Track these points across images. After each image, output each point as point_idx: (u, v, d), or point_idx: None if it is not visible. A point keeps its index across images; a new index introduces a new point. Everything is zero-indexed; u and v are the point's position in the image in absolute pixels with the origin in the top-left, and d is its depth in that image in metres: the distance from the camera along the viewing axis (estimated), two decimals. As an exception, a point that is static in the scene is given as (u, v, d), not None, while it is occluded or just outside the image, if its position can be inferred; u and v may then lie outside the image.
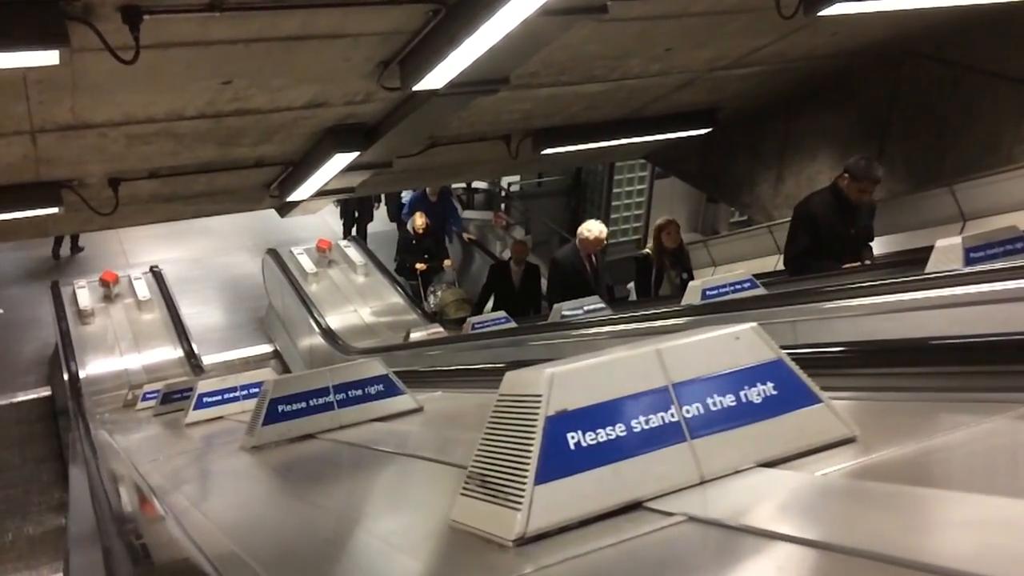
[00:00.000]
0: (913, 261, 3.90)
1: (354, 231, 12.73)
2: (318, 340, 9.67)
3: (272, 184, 7.09)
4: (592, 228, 6.33)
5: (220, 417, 3.74)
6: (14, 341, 10.36)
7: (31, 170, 5.30)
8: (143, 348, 9.70)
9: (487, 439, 1.07)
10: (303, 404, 2.39)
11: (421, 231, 10.13)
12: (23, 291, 11.46)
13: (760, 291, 4.80)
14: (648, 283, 5.62)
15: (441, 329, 8.88)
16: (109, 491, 2.29)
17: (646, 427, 1.01)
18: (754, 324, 1.13)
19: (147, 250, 12.73)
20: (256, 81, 4.41)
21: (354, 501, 1.58)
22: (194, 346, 9.46)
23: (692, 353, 1.07)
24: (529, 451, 0.97)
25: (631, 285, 6.40)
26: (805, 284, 5.26)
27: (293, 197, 7.14)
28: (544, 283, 8.05)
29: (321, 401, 2.41)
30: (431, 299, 10.25)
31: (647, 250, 5.87)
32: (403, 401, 2.49)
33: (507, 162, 8.07)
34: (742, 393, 1.07)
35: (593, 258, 6.39)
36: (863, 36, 6.09)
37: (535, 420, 0.98)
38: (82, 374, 8.70)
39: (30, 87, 3.83)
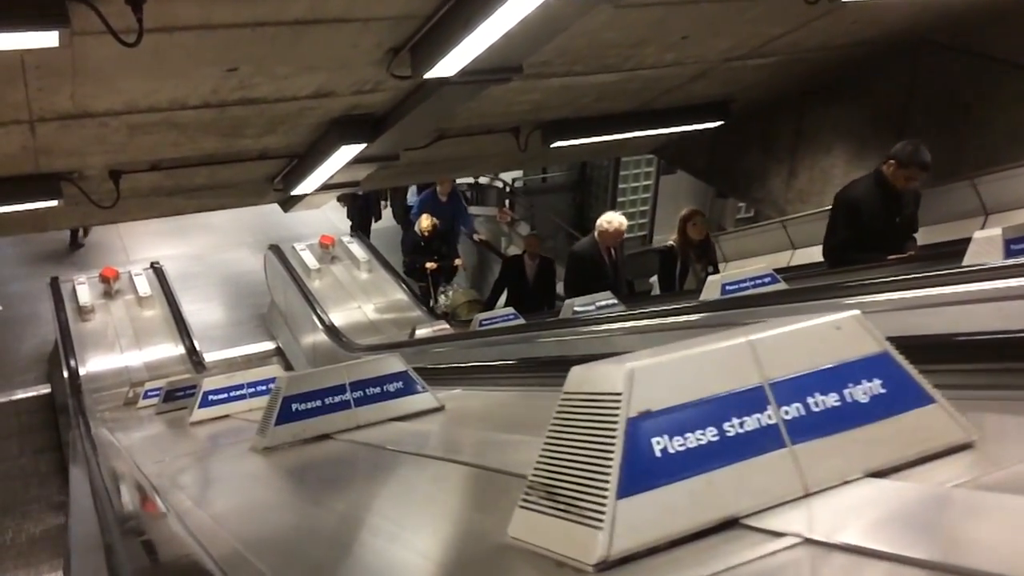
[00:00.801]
0: (949, 254, 3.75)
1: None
2: (321, 337, 9.54)
3: (276, 178, 6.94)
4: (612, 220, 6.14)
5: (226, 416, 3.60)
6: (13, 338, 10.23)
7: (30, 161, 5.16)
8: (144, 345, 9.57)
9: (552, 444, 0.93)
10: (318, 403, 2.25)
11: (428, 233, 9.92)
12: (22, 287, 11.33)
13: (781, 286, 4.67)
14: (672, 277, 5.39)
15: (447, 326, 8.75)
16: (112, 494, 2.16)
17: (741, 431, 0.87)
18: (856, 312, 0.99)
19: (147, 246, 12.60)
20: (261, 68, 4.26)
21: (386, 511, 1.44)
22: (196, 343, 9.32)
23: (788, 345, 0.93)
24: (608, 459, 0.83)
25: (654, 279, 6.19)
26: (827, 279, 5.16)
27: (297, 191, 6.99)
28: (559, 277, 7.87)
29: (337, 399, 2.27)
30: (441, 299, 10.04)
31: (671, 242, 5.65)
32: (423, 399, 2.35)
33: (515, 155, 7.91)
34: (846, 391, 0.92)
35: (612, 251, 6.20)
36: (882, 25, 5.94)
37: (614, 423, 0.84)
38: (82, 371, 8.57)
39: (28, 73, 3.69)
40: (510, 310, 7.30)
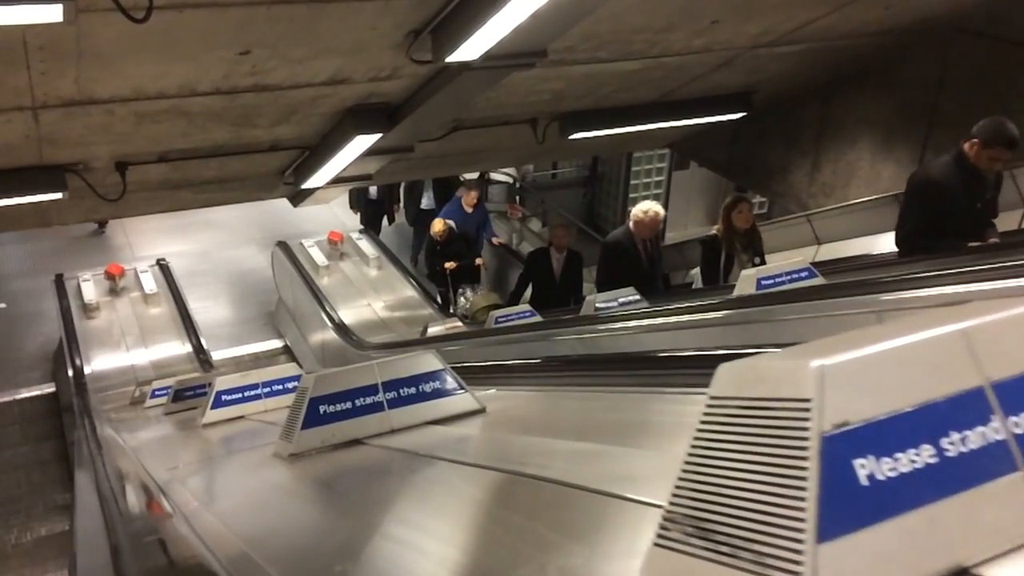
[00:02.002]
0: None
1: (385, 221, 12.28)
2: (331, 335, 9.35)
3: (287, 171, 6.74)
4: (648, 209, 5.83)
5: (240, 417, 3.40)
6: (17, 336, 10.06)
7: (33, 152, 4.96)
8: (150, 343, 9.37)
9: (699, 464, 0.72)
10: (348, 404, 2.04)
11: (441, 237, 9.66)
12: (26, 284, 11.15)
13: (819, 280, 4.46)
14: (716, 269, 5.07)
15: (460, 324, 8.53)
16: (120, 501, 1.95)
17: (962, 450, 0.66)
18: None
19: (152, 243, 12.42)
20: (276, 52, 4.05)
21: (452, 536, 1.23)
22: (203, 341, 9.13)
23: (1012, 336, 0.71)
24: (799, 489, 0.62)
25: (695, 271, 5.90)
26: (864, 274, 4.94)
27: (308, 184, 6.79)
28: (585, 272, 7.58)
29: (369, 401, 2.06)
30: (461, 301, 9.77)
31: (715, 231, 5.37)
32: (463, 400, 2.14)
33: (531, 148, 7.71)
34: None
35: (648, 243, 5.90)
36: (916, 11, 5.72)
37: (802, 439, 0.63)
38: (87, 370, 8.38)
39: (31, 54, 3.48)
40: (527, 307, 7.09)
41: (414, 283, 10.30)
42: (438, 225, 9.70)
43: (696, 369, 2.39)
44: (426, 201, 11.56)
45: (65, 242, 12.07)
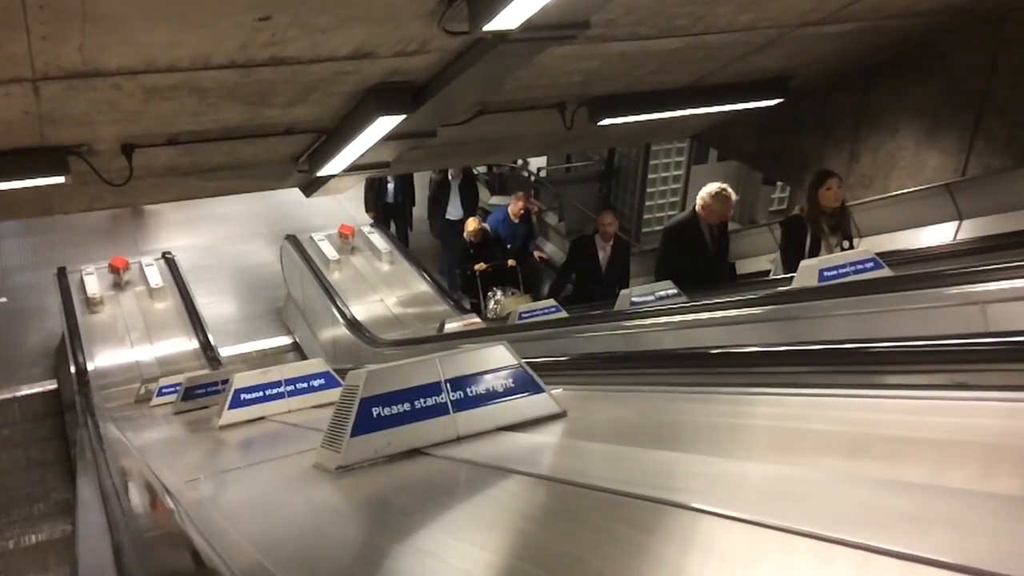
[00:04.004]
0: None
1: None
2: (342, 331, 9.03)
3: (301, 157, 6.39)
4: (719, 190, 5.27)
5: (260, 418, 3.06)
6: (18, 331, 9.76)
7: (34, 131, 4.62)
8: (155, 339, 9.04)
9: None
10: (406, 406, 1.69)
11: (475, 237, 9.21)
12: (28, 278, 10.85)
13: (885, 272, 4.11)
14: (800, 253, 4.49)
15: (478, 320, 8.19)
16: (127, 508, 1.61)
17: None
18: None
19: (157, 237, 12.14)
20: (298, 18, 3.70)
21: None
22: (210, 337, 8.79)
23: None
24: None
25: (775, 256, 5.45)
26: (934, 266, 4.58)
27: (324, 172, 6.44)
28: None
29: (431, 402, 1.71)
30: (491, 303, 9.34)
31: (798, 211, 4.90)
32: (541, 402, 1.79)
33: (556, 136, 7.36)
34: None
35: (714, 229, 5.38)
36: (975, -12, 5.37)
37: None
38: (90, 366, 8.06)
39: (30, 13, 3.14)
40: (551, 303, 6.74)
41: (428, 278, 9.96)
42: (472, 224, 9.27)
43: (791, 366, 2.05)
44: (453, 211, 10.80)
45: (67, 235, 11.75)
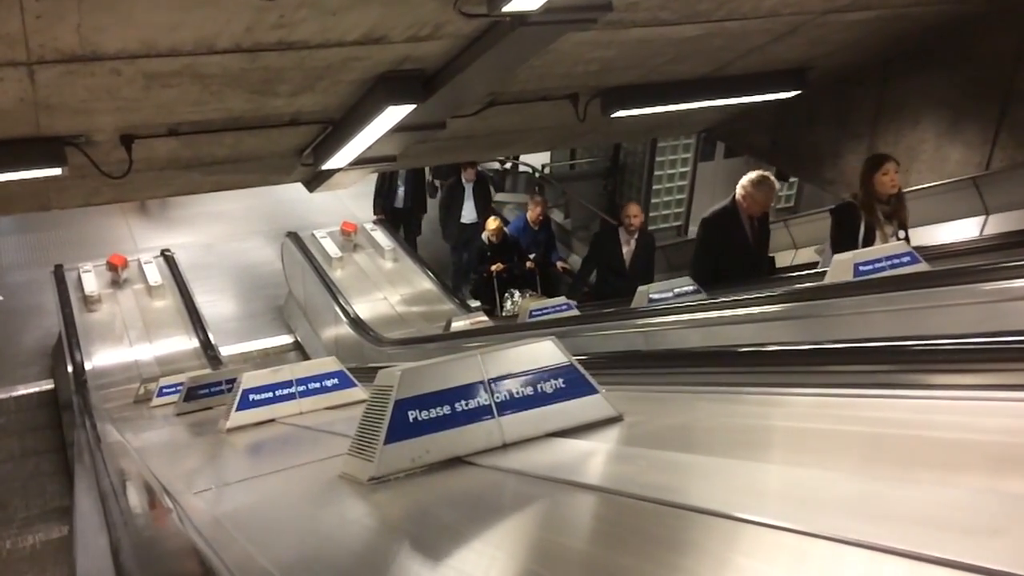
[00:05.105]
0: None
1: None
2: (345, 330, 8.84)
3: (306, 149, 6.20)
4: (762, 179, 4.95)
5: (270, 420, 2.86)
6: (14, 330, 9.56)
7: (29, 120, 4.42)
8: (155, 338, 8.84)
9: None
10: (446, 409, 1.50)
11: (495, 237, 8.98)
12: (24, 276, 10.65)
13: (923, 266, 3.92)
14: (854, 242, 4.21)
15: (486, 318, 8.00)
16: (127, 517, 1.42)
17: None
18: None
19: (155, 235, 11.93)
20: (308, -1, 3.51)
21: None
22: (211, 336, 8.60)
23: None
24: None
25: (823, 247, 5.18)
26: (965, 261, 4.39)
27: (329, 165, 6.25)
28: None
29: (473, 404, 1.52)
30: (508, 303, 9.08)
31: (849, 197, 4.62)
32: (595, 405, 1.60)
33: (567, 129, 7.18)
34: None
35: (755, 221, 5.07)
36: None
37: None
38: (88, 366, 7.87)
39: (24, -11, 2.95)
40: (562, 300, 6.54)
41: (432, 276, 9.77)
42: (493, 223, 9.01)
43: (865, 364, 1.87)
44: (467, 214, 10.34)
45: (65, 232, 11.55)
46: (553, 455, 1.47)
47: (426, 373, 1.52)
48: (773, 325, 3.86)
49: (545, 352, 1.60)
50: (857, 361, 1.75)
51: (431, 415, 1.48)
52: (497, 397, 1.53)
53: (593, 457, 1.47)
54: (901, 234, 4.26)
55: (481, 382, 1.53)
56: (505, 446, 1.51)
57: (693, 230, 13.34)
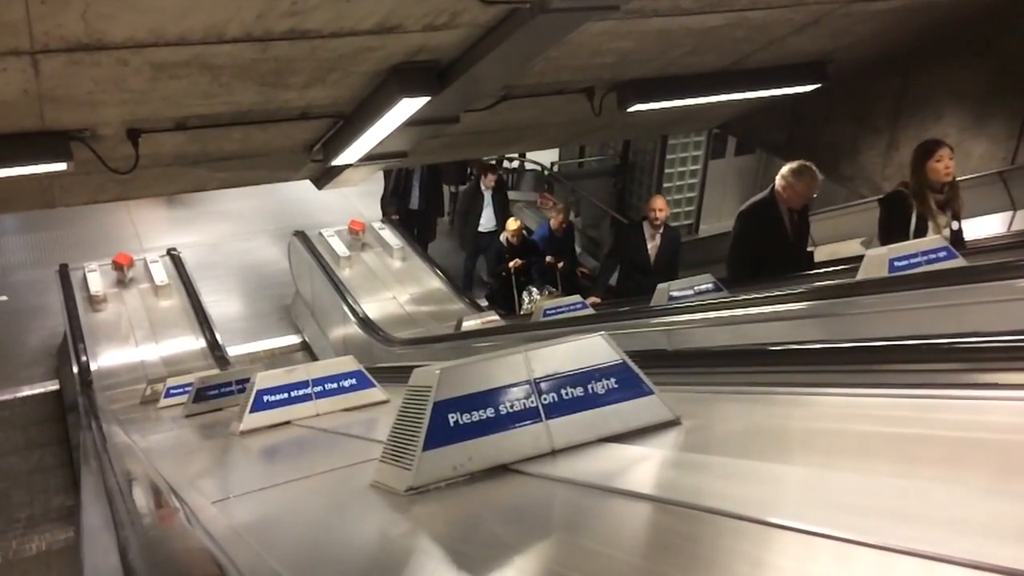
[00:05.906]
0: None
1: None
2: (354, 329, 8.70)
3: (315, 145, 6.07)
4: (804, 169, 4.70)
5: (285, 423, 2.73)
6: (19, 330, 9.44)
7: (33, 113, 4.30)
8: (161, 338, 8.71)
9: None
10: (489, 411, 1.36)
11: (515, 238, 8.79)
12: (29, 276, 10.54)
13: (959, 262, 3.77)
14: (904, 232, 3.98)
15: (496, 317, 7.86)
16: (137, 524, 1.29)
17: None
18: None
19: (161, 234, 11.82)
20: (322, -17, 3.38)
21: None
22: (218, 336, 8.47)
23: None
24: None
25: (870, 239, 4.98)
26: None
27: (339, 161, 6.11)
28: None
29: (518, 406, 1.38)
30: (526, 301, 8.85)
31: (900, 187, 4.22)
32: (650, 407, 1.45)
33: (580, 124, 7.04)
34: None
35: (795, 214, 4.85)
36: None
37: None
38: (93, 366, 7.74)
39: (27, -28, 2.82)
40: (577, 298, 6.40)
41: (441, 275, 9.63)
42: (513, 223, 8.87)
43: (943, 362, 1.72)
44: (486, 221, 10.06)
45: (70, 231, 11.44)
46: (609, 463, 1.33)
47: (467, 372, 1.38)
48: (805, 323, 3.72)
49: (595, 349, 1.46)
50: (924, 360, 1.61)
51: (473, 418, 1.34)
52: (544, 399, 1.39)
53: (655, 466, 1.32)
54: (955, 225, 4.05)
55: (527, 382, 1.39)
56: (554, 452, 1.37)
57: (704, 228, 13.22)
